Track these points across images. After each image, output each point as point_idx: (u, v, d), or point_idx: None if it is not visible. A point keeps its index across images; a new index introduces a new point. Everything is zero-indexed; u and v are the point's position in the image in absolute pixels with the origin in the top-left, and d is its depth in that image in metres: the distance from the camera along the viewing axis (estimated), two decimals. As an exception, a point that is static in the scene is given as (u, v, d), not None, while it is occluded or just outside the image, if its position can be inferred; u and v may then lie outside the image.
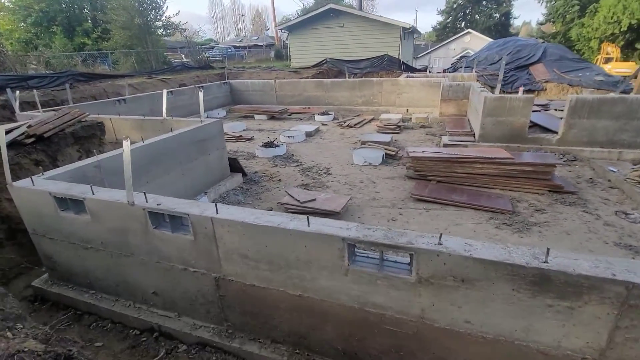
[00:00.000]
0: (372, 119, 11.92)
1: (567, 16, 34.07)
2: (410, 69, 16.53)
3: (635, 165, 6.23)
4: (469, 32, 31.08)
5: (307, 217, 2.33)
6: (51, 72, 12.02)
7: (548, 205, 5.26)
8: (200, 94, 6.69)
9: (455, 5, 44.64)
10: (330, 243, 2.14)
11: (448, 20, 45.69)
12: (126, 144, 2.54)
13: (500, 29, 43.71)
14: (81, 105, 8.90)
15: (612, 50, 25.22)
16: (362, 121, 11.41)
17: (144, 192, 2.73)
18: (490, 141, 7.83)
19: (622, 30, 24.72)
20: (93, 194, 2.88)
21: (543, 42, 16.64)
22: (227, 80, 15.28)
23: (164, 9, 17.05)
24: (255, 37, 51.94)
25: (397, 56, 16.66)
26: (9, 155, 4.13)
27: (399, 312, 2.18)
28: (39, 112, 7.53)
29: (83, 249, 3.21)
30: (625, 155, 6.86)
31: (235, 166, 6.62)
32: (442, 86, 10.69)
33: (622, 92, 9.29)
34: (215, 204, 2.51)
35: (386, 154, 7.67)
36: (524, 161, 5.78)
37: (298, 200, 5.26)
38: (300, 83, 14.26)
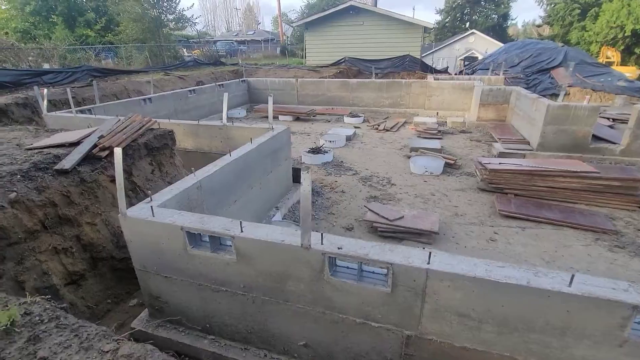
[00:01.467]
0: (405, 122, 11.59)
1: (567, 19, 34.48)
2: (431, 70, 16.25)
3: None
4: (473, 33, 31.06)
5: (570, 277, 1.92)
6: (67, 66, 11.13)
7: (645, 223, 5.02)
8: (225, 96, 6.22)
9: (454, 5, 44.65)
10: (608, 310, 1.75)
11: (447, 20, 45.71)
12: (306, 175, 2.08)
13: (498, 29, 44.12)
14: (106, 106, 8.23)
15: (613, 54, 25.58)
16: (396, 124, 11.04)
17: (321, 233, 2.26)
18: (550, 150, 7.58)
19: (625, 35, 25.07)
20: (242, 231, 2.41)
21: (563, 46, 16.62)
22: (245, 78, 14.62)
23: (177, 0, 16.15)
24: (252, 32, 50.84)
25: (418, 56, 16.33)
26: (85, 170, 3.58)
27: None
28: (71, 113, 6.85)
29: (212, 292, 2.72)
30: (693, 168, 6.72)
31: (297, 176, 6.15)
32: (482, 90, 10.41)
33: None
34: (429, 252, 2.07)
35: (445, 162, 7.32)
36: (612, 176, 5.53)
37: (386, 218, 4.85)
38: (324, 82, 13.76)
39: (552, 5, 35.73)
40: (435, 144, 8.62)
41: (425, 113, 12.54)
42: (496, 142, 8.58)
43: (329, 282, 2.28)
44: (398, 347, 2.31)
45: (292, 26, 32.32)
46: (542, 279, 1.89)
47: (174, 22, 16.82)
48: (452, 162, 7.44)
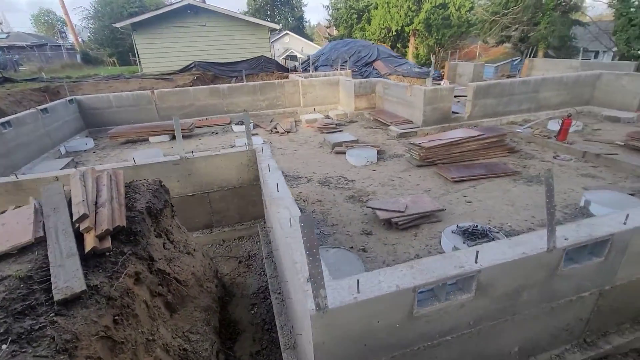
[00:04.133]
0: (296, 122, 11.78)
1: (349, 22, 42.73)
2: (286, 70, 16.90)
3: (527, 125, 9.43)
4: (287, 34, 33.90)
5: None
6: None
7: (520, 162, 7.33)
8: (176, 121, 4.95)
9: (257, 7, 47.02)
10: None
11: (254, 21, 47.65)
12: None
13: (297, 30, 49.87)
14: None
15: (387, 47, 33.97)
16: (290, 125, 11.09)
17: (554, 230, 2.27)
18: (430, 125, 9.64)
19: (392, 34, 33.56)
20: (476, 262, 2.12)
21: (374, 44, 20.72)
22: (72, 97, 10.85)
23: None
24: (4, 36, 37.49)
25: (272, 57, 16.55)
26: (102, 283, 2.13)
27: None
28: None
29: (430, 349, 2.25)
30: (502, 121, 10.18)
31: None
32: (354, 83, 11.84)
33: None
34: (626, 214, 2.47)
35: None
36: (491, 134, 7.69)
37: (400, 212, 5.05)
38: (189, 92, 12.03)
39: (337, 10, 43.30)
40: (347, 136, 9.29)
41: (303, 110, 13.13)
42: (389, 125, 10.10)
43: (560, 274, 2.36)
44: (593, 304, 2.67)
45: (87, 27, 25.66)
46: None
47: None
48: (378, 148, 8.30)
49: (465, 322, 2.26)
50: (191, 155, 4.42)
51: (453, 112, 10.09)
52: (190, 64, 14.94)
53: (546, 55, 20.73)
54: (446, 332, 2.23)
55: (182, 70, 14.70)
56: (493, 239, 4.21)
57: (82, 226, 2.28)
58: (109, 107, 11.36)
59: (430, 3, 30.45)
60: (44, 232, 2.26)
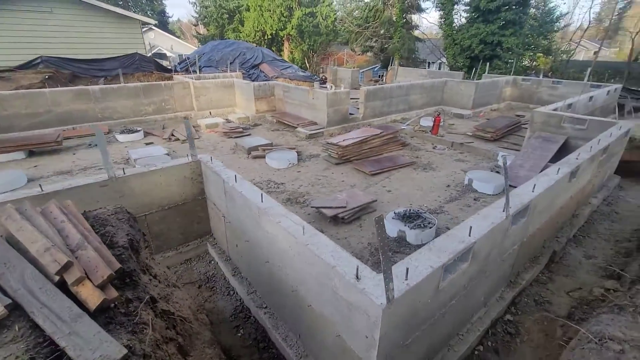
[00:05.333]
0: (195, 128, 10.83)
1: (220, 21, 41.18)
2: (165, 70, 15.18)
3: (408, 122, 11.26)
4: (152, 29, 30.25)
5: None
6: None
7: (412, 153, 8.84)
8: (99, 133, 4.11)
9: None
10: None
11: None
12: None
13: (161, 26, 45.05)
14: None
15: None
16: (191, 131, 10.16)
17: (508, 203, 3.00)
18: (333, 125, 10.48)
19: (267, 38, 34.14)
20: (470, 235, 2.67)
21: (257, 46, 20.66)
22: None
23: None
24: None
25: (148, 55, 14.48)
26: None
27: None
28: None
29: (441, 317, 2.68)
30: (387, 120, 11.94)
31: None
32: (254, 86, 11.70)
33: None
34: (534, 184, 3.45)
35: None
36: (387, 132, 8.97)
37: (344, 207, 5.44)
38: (45, 95, 9.52)
39: (205, 8, 40.99)
40: (260, 140, 9.18)
41: (199, 114, 12.20)
42: (296, 127, 10.45)
43: (508, 235, 3.15)
44: (516, 253, 3.64)
45: None
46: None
47: None
48: (295, 150, 8.54)
49: (463, 285, 2.78)
50: (122, 174, 3.68)
51: (350, 114, 11.22)
52: (35, 60, 11.64)
53: (400, 64, 25.02)
54: (453, 297, 2.70)
55: (23, 67, 11.32)
56: (425, 219, 5.07)
57: (70, 278, 1.75)
58: None
59: (301, 11, 32.32)
60: (10, 299, 1.63)
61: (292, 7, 32.99)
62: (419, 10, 24.85)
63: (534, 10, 18.23)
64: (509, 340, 3.30)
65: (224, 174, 3.74)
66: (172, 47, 30.84)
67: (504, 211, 2.98)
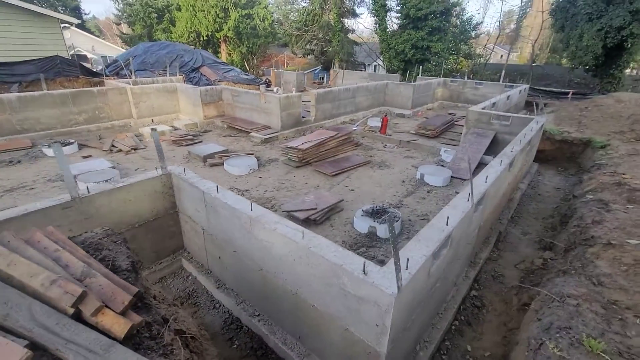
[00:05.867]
0: (136, 135, 10.05)
1: (147, 20, 38.32)
2: (93, 74, 13.75)
3: (358, 123, 11.79)
4: (67, 27, 26.92)
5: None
6: None
7: (365, 152, 9.34)
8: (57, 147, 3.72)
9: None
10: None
11: None
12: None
13: (78, 25, 40.42)
14: None
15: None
16: (136, 141, 9.44)
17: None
18: (287, 129, 10.57)
19: (203, 39, 32.74)
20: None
21: (195, 49, 19.71)
22: None
23: None
24: None
25: (70, 58, 12.91)
26: None
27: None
28: None
29: (430, 297, 3.01)
30: (337, 121, 12.39)
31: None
32: (200, 91, 11.24)
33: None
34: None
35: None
36: (342, 134, 9.35)
37: (315, 209, 5.61)
38: (-57, 105, 8.05)
39: (129, 6, 37.73)
40: (214, 147, 8.89)
41: (139, 122, 11.34)
42: (249, 132, 10.31)
43: (472, 221, 3.62)
44: (475, 235, 4.17)
45: None
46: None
47: None
48: (252, 154, 8.45)
49: (443, 269, 3.14)
50: (87, 192, 3.37)
51: (302, 117, 11.41)
52: None
53: (340, 67, 25.95)
54: (436, 281, 3.04)
55: None
56: (390, 213, 5.47)
57: (88, 309, 1.65)
58: None
59: (237, 12, 31.60)
60: (26, 339, 1.49)
61: (227, 8, 32.08)
62: (354, 15, 26.03)
63: (455, 19, 20.40)
64: (477, 313, 3.79)
65: (203, 186, 3.65)
66: (94, 47, 27.91)
67: (468, 201, 3.43)
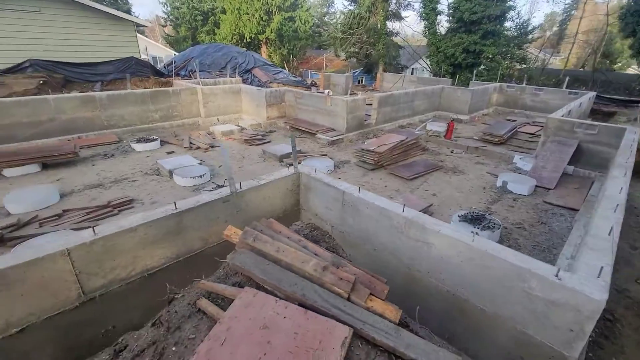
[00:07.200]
0: (207, 134, 10.55)
1: (193, 23, 39.96)
2: (160, 74, 14.55)
3: (419, 127, 11.76)
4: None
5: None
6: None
7: (433, 157, 9.30)
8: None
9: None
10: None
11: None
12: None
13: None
14: None
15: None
16: (212, 139, 9.92)
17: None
18: (351, 131, 10.70)
19: (246, 40, 33.69)
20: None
21: (247, 51, 20.37)
22: None
23: None
24: None
25: (143, 59, 13.77)
26: None
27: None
28: None
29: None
30: (396, 125, 12.39)
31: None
32: (266, 92, 11.62)
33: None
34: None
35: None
36: (411, 138, 9.36)
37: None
38: (49, 101, 8.82)
39: (177, 9, 39.54)
40: (285, 147, 9.17)
41: (207, 121, 11.88)
42: (315, 134, 10.54)
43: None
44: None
45: None
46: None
47: None
48: (326, 156, 8.65)
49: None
50: (240, 188, 3.64)
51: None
52: (23, 63, 10.63)
53: (383, 70, 25.89)
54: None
55: (11, 71, 10.30)
56: (490, 220, 5.44)
57: (361, 295, 1.81)
58: None
59: (281, 15, 32.31)
60: (331, 317, 1.66)
61: (271, 11, 32.89)
62: (399, 18, 25.91)
63: (510, 22, 19.84)
64: (611, 327, 3.71)
65: (340, 185, 3.82)
66: (147, 48, 29.39)
67: (615, 211, 3.38)
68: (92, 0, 12.35)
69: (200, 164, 7.76)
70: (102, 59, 12.56)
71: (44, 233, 4.78)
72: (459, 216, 5.61)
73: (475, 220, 5.46)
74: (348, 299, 1.81)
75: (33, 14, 11.12)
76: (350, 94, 11.76)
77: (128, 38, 13.51)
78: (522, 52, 20.08)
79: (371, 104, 11.70)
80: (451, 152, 9.85)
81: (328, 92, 18.41)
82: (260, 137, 10.20)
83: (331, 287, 1.82)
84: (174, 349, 1.42)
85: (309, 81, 23.22)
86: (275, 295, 1.76)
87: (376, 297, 1.86)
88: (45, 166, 7.58)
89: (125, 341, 1.60)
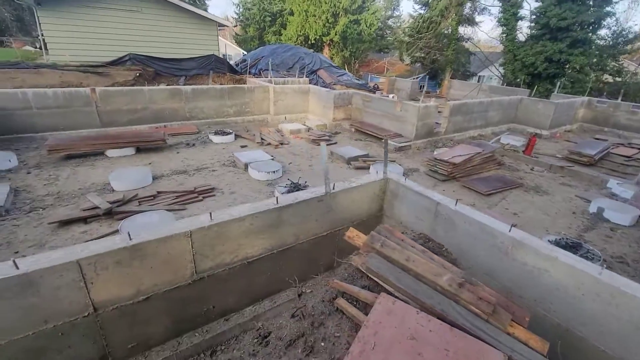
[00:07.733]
0: (276, 131, 10.94)
1: (262, 24, 41.86)
2: (235, 72, 15.45)
3: (493, 140, 11.07)
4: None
5: None
6: None
7: (511, 173, 8.64)
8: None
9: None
10: None
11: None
12: None
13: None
14: None
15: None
16: (276, 135, 10.27)
17: None
18: (420, 139, 10.38)
19: (311, 42, 34.43)
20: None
21: (313, 52, 20.84)
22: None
23: None
24: None
25: (221, 56, 14.79)
26: None
27: None
28: None
29: None
30: (466, 135, 11.75)
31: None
32: (334, 94, 11.74)
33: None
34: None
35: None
36: (488, 150, 8.80)
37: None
38: (143, 92, 9.81)
39: (248, 10, 41.75)
40: (353, 150, 9.17)
41: (275, 119, 12.32)
42: (381, 138, 10.39)
43: None
44: None
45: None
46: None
47: None
48: (394, 162, 8.48)
49: None
50: (332, 189, 3.69)
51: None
52: (124, 57, 12.04)
53: (451, 77, 24.78)
54: None
55: (114, 63, 11.72)
56: (587, 250, 4.90)
57: (503, 320, 1.70)
58: (25, 108, 8.26)
59: (347, 17, 32.51)
60: (465, 331, 1.59)
61: (337, 14, 33.23)
62: (473, 23, 24.60)
63: (606, 30, 17.77)
64: None
65: (435, 196, 3.70)
66: (226, 47, 31.45)
67: None
68: (182, 1, 13.55)
69: (272, 159, 8.06)
70: (187, 56, 13.70)
71: (143, 211, 5.30)
72: (549, 241, 5.12)
73: (569, 248, 4.94)
74: (486, 321, 1.72)
75: (135, 13, 12.50)
76: (422, 100, 11.40)
77: (210, 36, 14.57)
78: (617, 64, 17.86)
79: (441, 112, 11.24)
80: (531, 169, 9.08)
81: (392, 96, 18.08)
82: (327, 137, 10.34)
83: (467, 306, 1.74)
84: (322, 344, 1.46)
85: (371, 84, 23.07)
86: (409, 305, 1.73)
87: (517, 323, 1.74)
88: (138, 150, 8.42)
89: (266, 327, 1.68)
